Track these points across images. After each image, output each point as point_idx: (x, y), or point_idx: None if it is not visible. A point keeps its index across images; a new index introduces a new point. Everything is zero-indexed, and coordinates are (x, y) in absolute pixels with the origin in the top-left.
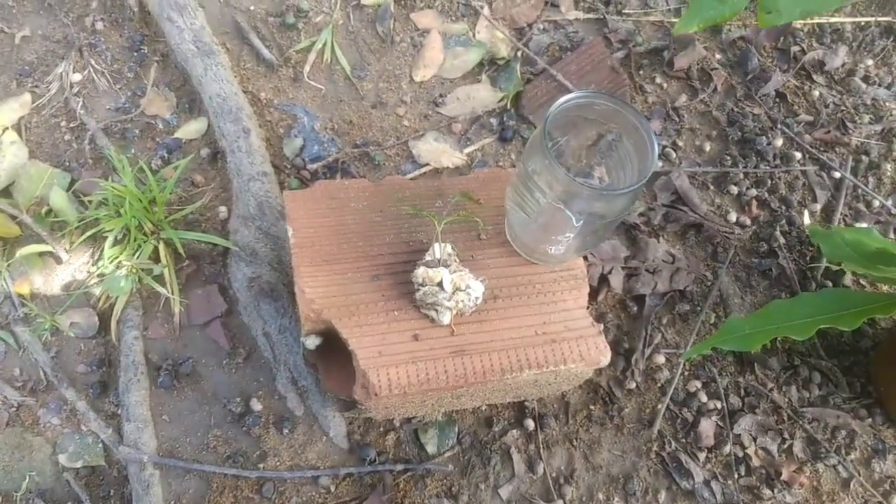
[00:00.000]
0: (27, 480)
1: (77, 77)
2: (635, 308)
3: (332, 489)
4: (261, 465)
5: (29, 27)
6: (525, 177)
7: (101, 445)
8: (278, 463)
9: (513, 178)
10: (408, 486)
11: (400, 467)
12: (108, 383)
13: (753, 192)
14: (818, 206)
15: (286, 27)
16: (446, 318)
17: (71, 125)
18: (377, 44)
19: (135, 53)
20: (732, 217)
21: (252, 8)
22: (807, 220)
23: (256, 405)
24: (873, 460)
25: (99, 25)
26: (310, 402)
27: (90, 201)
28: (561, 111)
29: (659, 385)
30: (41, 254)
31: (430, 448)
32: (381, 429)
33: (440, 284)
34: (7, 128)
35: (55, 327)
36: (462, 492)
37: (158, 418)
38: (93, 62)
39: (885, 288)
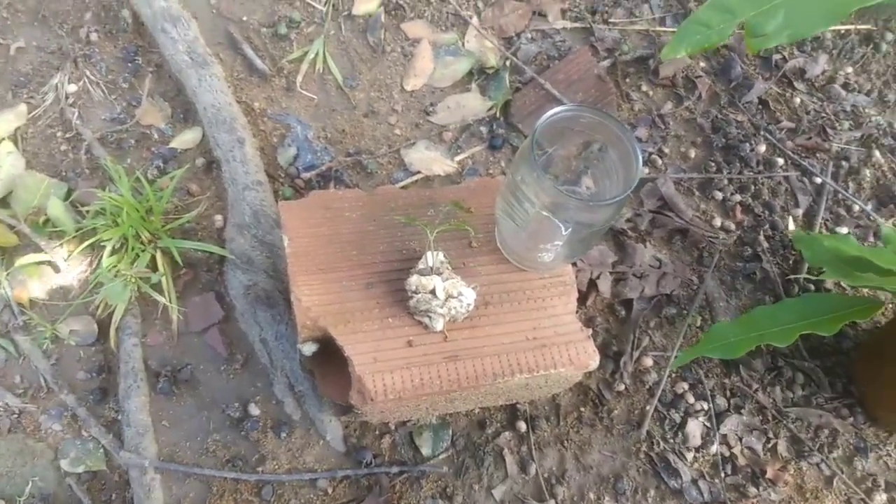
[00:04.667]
0: (30, 486)
1: (72, 88)
2: (623, 312)
3: (330, 491)
4: (259, 469)
5: (24, 39)
6: (514, 187)
7: (102, 451)
8: (276, 466)
9: (502, 187)
10: (404, 487)
11: (396, 469)
12: (108, 390)
13: (738, 197)
14: (800, 211)
15: (279, 37)
16: (439, 325)
17: (67, 135)
18: (368, 53)
19: (129, 64)
20: (717, 222)
21: (245, 19)
22: (791, 225)
23: (254, 410)
24: (855, 458)
25: (93, 37)
26: (307, 406)
27: (87, 211)
28: (548, 124)
29: (647, 387)
30: (39, 263)
31: (425, 450)
32: (377, 432)
33: (433, 292)
34: (3, 138)
35: (55, 335)
36: (456, 493)
37: (158, 424)
38: (88, 73)
39: (864, 291)
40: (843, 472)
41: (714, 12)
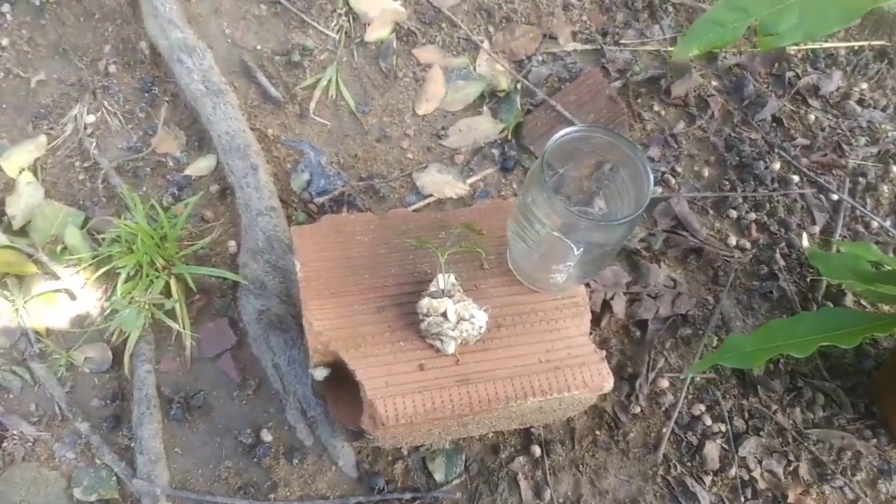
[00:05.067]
0: None
1: (91, 118)
2: (638, 333)
3: None
4: (272, 496)
5: (44, 71)
6: (524, 208)
7: (114, 479)
8: (289, 493)
9: (513, 209)
10: None
11: (409, 496)
12: (121, 417)
13: (752, 215)
14: (817, 229)
15: (292, 65)
16: (451, 348)
17: (85, 165)
18: (380, 79)
19: (146, 94)
20: (732, 241)
21: (258, 47)
22: (805, 242)
23: (267, 436)
24: (879, 481)
25: (112, 68)
26: (319, 432)
27: (104, 238)
28: (558, 145)
29: (663, 409)
30: (56, 291)
31: (438, 476)
32: (390, 457)
33: (444, 314)
34: (24, 169)
35: (70, 362)
36: None
37: (171, 451)
38: (106, 104)
39: (885, 308)
40: (867, 496)
41: (728, 11)
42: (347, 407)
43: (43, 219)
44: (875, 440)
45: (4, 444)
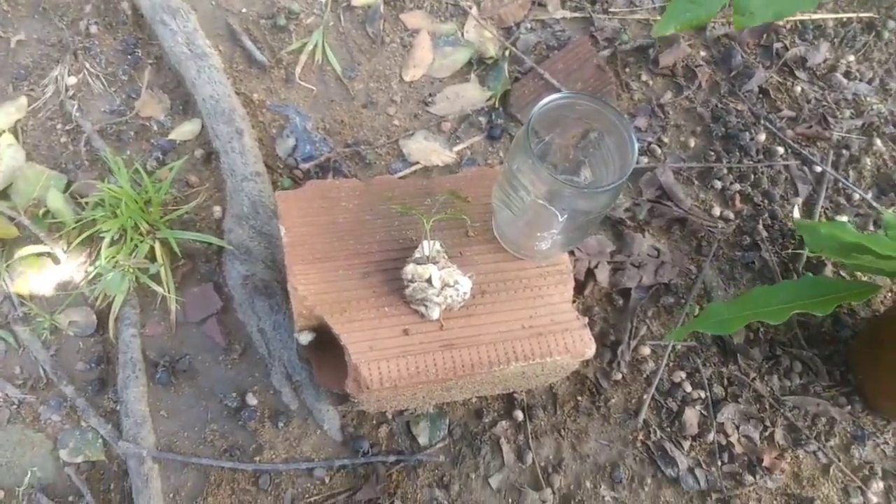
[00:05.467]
0: (29, 476)
1: (72, 80)
2: (621, 301)
3: (327, 480)
4: (257, 458)
5: (24, 31)
6: (510, 175)
7: (100, 441)
8: (274, 456)
9: (499, 176)
10: (400, 476)
11: (392, 458)
12: (106, 380)
13: (737, 186)
14: (800, 200)
15: (277, 29)
16: (435, 314)
17: (67, 128)
18: (367, 44)
19: (129, 56)
20: (716, 211)
21: (244, 10)
22: (796, 213)
23: (252, 400)
24: (852, 446)
25: (93, 29)
26: (304, 396)
27: (87, 202)
28: (544, 112)
29: (644, 376)
30: (39, 254)
31: (422, 439)
32: (374, 421)
33: (429, 280)
34: (4, 131)
35: (54, 326)
36: (453, 482)
37: (156, 414)
38: (87, 65)
39: (863, 279)
40: (840, 461)
41: None
42: (332, 371)
43: (25, 182)
44: (850, 407)
45: None
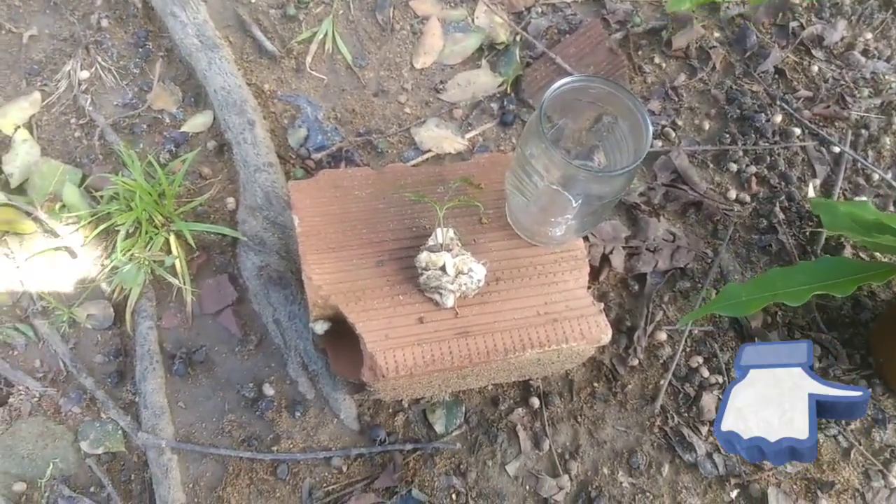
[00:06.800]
0: (51, 467)
1: (85, 74)
2: (637, 286)
3: (344, 469)
4: (274, 448)
5: (36, 26)
6: (523, 161)
7: (120, 432)
8: (291, 445)
9: (512, 162)
10: (417, 464)
11: (409, 447)
12: (125, 372)
13: (753, 169)
14: (818, 182)
15: (287, 19)
16: (450, 301)
17: (80, 122)
18: (377, 32)
19: (140, 49)
20: (732, 194)
21: (253, 1)
22: (811, 193)
23: (269, 390)
24: (873, 430)
25: (104, 23)
26: (320, 385)
27: (102, 196)
28: (556, 95)
29: (661, 361)
30: (56, 249)
31: (439, 427)
32: (391, 410)
33: (443, 268)
34: (19, 126)
35: (73, 319)
36: (470, 469)
37: (175, 405)
38: (99, 59)
39: (883, 259)
40: (860, 444)
41: None
42: (348, 360)
43: (40, 176)
44: (870, 390)
45: (11, 400)
